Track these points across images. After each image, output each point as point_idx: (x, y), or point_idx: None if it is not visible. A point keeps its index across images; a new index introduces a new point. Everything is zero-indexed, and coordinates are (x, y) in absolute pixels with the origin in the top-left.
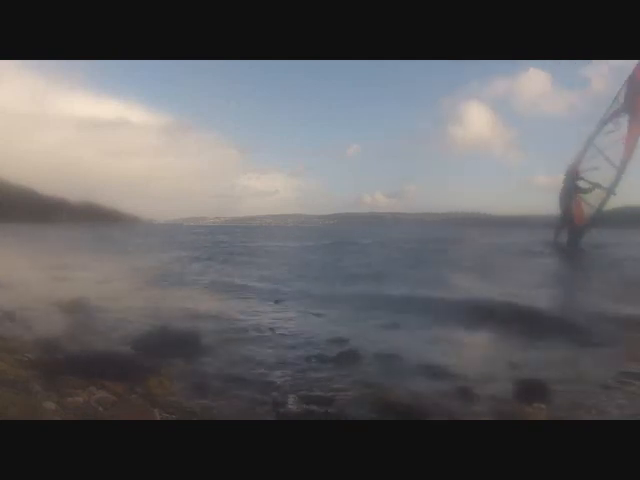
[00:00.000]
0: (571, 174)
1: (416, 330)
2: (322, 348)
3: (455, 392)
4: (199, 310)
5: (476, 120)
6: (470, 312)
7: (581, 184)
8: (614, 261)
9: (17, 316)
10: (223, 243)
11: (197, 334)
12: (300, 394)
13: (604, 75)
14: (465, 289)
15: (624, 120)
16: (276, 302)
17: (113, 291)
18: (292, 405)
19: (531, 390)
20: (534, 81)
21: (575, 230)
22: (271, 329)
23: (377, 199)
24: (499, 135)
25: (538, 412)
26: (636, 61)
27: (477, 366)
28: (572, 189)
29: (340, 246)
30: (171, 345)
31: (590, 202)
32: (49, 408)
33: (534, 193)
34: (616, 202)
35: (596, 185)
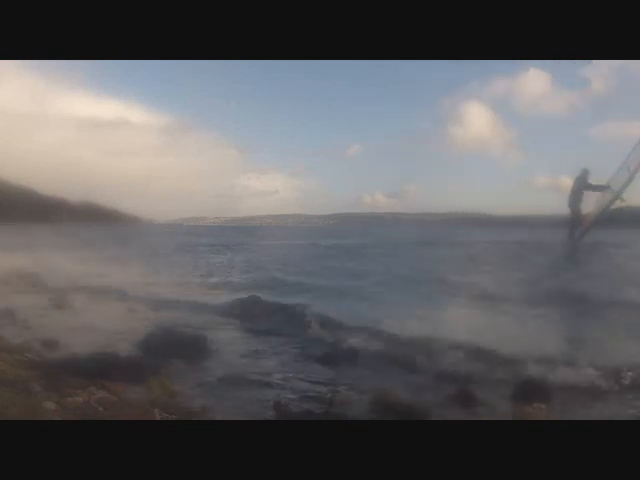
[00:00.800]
0: (582, 179)
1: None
2: (322, 348)
3: (456, 393)
4: (199, 310)
5: (476, 120)
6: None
7: (592, 186)
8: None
9: (17, 316)
10: (222, 243)
11: (197, 334)
12: (300, 394)
13: (604, 75)
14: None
15: None
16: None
17: (113, 291)
18: (292, 405)
19: (531, 390)
20: (534, 81)
21: (582, 230)
22: (271, 329)
23: (377, 199)
24: (499, 135)
25: (538, 412)
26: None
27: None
28: (581, 192)
29: (343, 246)
30: (171, 345)
31: (598, 203)
32: (49, 408)
33: (534, 193)
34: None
35: (606, 188)
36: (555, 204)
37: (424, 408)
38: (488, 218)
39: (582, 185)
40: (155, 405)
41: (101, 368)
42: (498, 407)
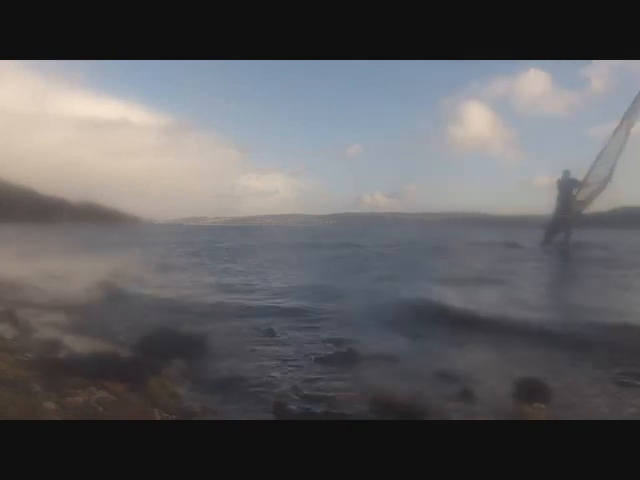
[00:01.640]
0: (565, 181)
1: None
2: (322, 347)
3: (456, 393)
4: (199, 310)
5: (476, 120)
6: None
7: (577, 183)
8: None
9: (17, 316)
10: (221, 243)
11: (197, 334)
12: (300, 394)
13: (604, 75)
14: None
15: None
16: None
17: (113, 290)
18: (292, 405)
19: (531, 390)
20: (534, 81)
21: (567, 229)
22: (271, 329)
23: (377, 199)
24: (499, 135)
25: (538, 412)
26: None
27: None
28: (566, 194)
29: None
30: (171, 345)
31: (582, 199)
32: (49, 408)
33: (534, 193)
34: (615, 202)
35: (587, 183)
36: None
37: None
38: (488, 218)
39: (567, 186)
40: (155, 405)
41: (101, 368)
42: None
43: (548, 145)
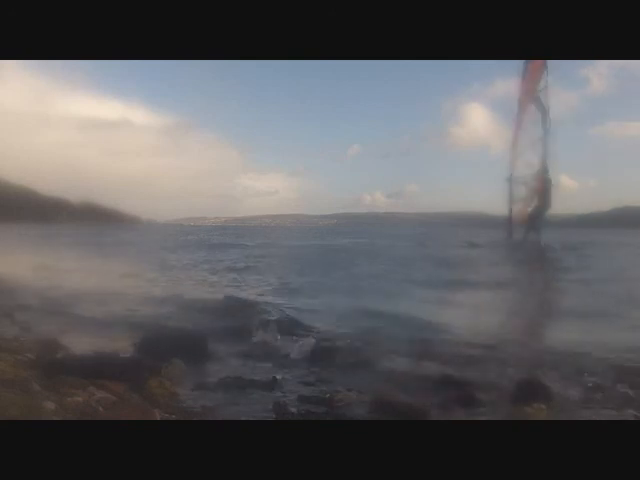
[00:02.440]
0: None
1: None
2: (322, 347)
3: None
4: (199, 310)
5: (476, 120)
6: None
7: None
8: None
9: (17, 316)
10: (223, 243)
11: (197, 334)
12: (300, 394)
13: (604, 75)
14: None
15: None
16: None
17: (113, 290)
18: (292, 405)
19: (531, 390)
20: None
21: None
22: (271, 329)
23: (377, 199)
24: (499, 135)
25: (538, 412)
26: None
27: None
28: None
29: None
30: (171, 345)
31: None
32: (49, 408)
33: None
34: (615, 202)
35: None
36: (555, 204)
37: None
38: (488, 218)
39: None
40: (155, 405)
41: (101, 368)
42: None
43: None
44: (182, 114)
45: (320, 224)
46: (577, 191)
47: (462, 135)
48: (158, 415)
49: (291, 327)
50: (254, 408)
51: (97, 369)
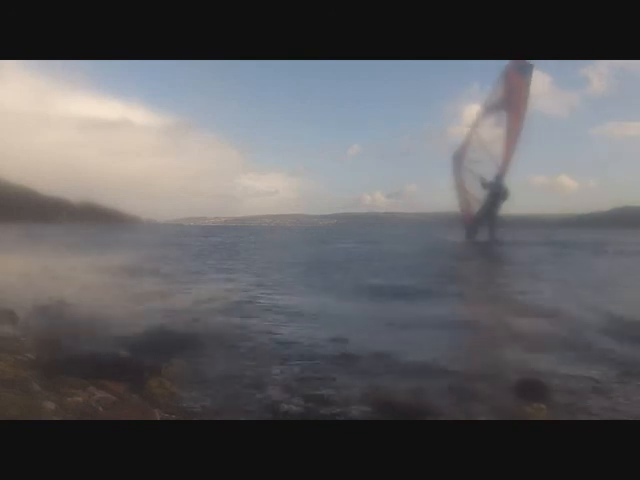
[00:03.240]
0: (457, 160)
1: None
2: (322, 347)
3: (454, 391)
4: (199, 310)
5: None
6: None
7: (478, 180)
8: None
9: (17, 316)
10: (221, 243)
11: (197, 334)
12: (300, 394)
13: (604, 75)
14: None
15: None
16: None
17: (113, 290)
18: (292, 405)
19: (531, 390)
20: (534, 81)
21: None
22: (271, 330)
23: (377, 199)
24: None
25: (538, 412)
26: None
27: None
28: (461, 178)
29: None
30: (171, 345)
31: (479, 198)
32: (49, 408)
33: (534, 193)
34: (615, 202)
35: (485, 182)
36: (555, 204)
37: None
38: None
39: (459, 173)
40: (155, 405)
41: (101, 368)
42: None
43: (548, 145)
44: (182, 114)
45: (320, 224)
46: (577, 191)
47: (462, 135)
48: (158, 415)
49: (288, 324)
50: (254, 408)
51: (97, 369)
